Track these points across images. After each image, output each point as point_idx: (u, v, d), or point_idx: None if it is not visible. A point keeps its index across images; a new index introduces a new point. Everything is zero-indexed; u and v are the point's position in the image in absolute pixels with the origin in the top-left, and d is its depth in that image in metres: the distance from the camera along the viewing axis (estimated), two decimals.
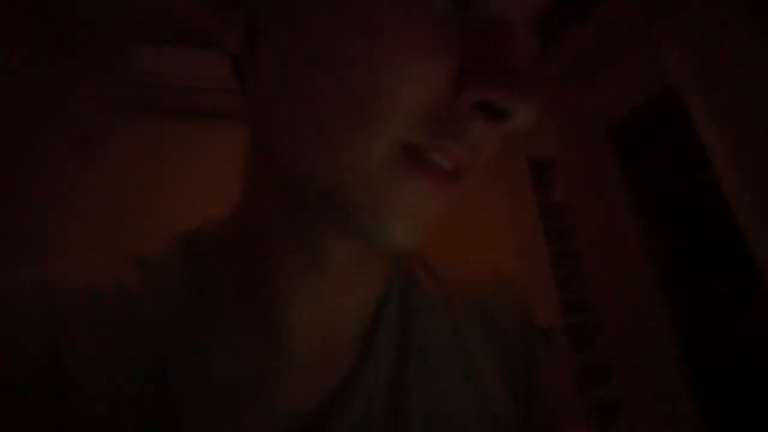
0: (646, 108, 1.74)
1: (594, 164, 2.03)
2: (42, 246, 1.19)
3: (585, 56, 1.91)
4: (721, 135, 1.41)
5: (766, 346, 1.46)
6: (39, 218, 1.26)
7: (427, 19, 0.17)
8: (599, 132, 1.98)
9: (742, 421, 1.59)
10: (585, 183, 2.10)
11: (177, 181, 1.49)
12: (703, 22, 1.45)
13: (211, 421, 0.21)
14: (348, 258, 0.23)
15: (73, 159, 1.37)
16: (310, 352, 0.24)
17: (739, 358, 1.64)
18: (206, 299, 0.23)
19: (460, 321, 0.29)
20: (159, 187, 1.46)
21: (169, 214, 1.40)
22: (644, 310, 1.78)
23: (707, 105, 1.44)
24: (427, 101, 0.17)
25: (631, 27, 1.67)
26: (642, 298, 1.78)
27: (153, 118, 1.54)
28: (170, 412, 0.20)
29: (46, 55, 1.42)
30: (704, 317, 1.72)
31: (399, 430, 0.24)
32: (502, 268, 0.34)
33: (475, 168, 0.19)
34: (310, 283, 0.23)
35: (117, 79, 1.47)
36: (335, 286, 0.24)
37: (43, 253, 1.17)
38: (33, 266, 0.22)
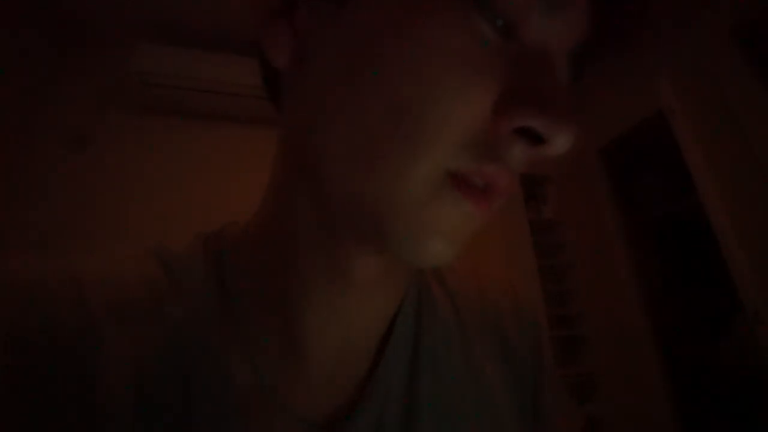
0: (638, 131, 1.80)
1: (585, 183, 2.08)
2: (37, 241, 1.16)
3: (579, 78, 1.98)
4: (704, 160, 1.46)
5: (746, 366, 1.50)
6: (32, 213, 1.24)
7: (476, 44, 0.17)
8: (592, 152, 2.03)
9: None
10: (576, 201, 2.15)
11: (175, 180, 1.48)
12: (691, 50, 1.52)
13: (227, 424, 0.21)
14: (372, 272, 0.23)
15: (68, 156, 1.35)
16: (327, 361, 0.24)
17: (720, 377, 1.68)
18: (228, 304, 0.23)
19: (471, 335, 0.30)
20: (156, 185, 1.45)
21: (168, 212, 1.40)
22: (629, 328, 1.81)
23: (692, 131, 1.50)
24: (471, 126, 0.17)
25: (624, 52, 1.75)
26: (627, 315, 1.82)
27: (150, 116, 1.52)
28: (188, 413, 0.20)
29: (44, 51, 1.40)
30: (688, 337, 1.76)
31: None
32: (516, 283, 0.35)
33: (510, 189, 0.20)
34: (333, 294, 0.23)
35: (114, 77, 1.46)
36: (356, 298, 0.24)
37: (37, 249, 1.14)
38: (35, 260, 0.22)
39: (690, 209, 1.59)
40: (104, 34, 1.48)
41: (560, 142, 0.17)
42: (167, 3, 1.40)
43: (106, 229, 1.29)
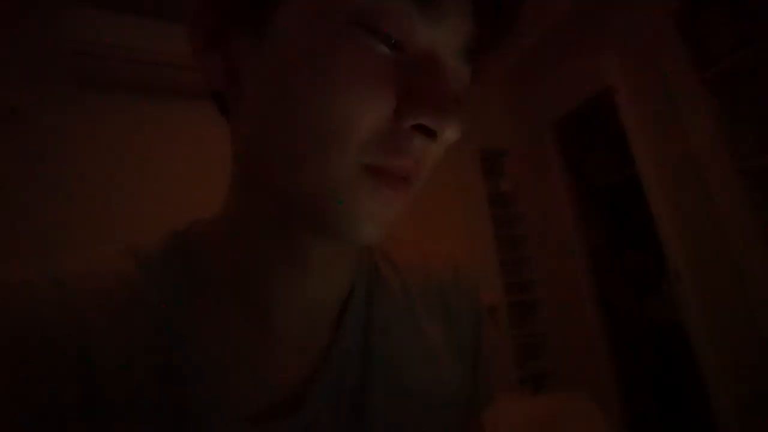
0: (586, 107, 1.91)
1: (540, 157, 2.19)
2: None
3: (534, 59, 2.05)
4: (642, 136, 1.59)
5: (668, 319, 1.69)
6: None
7: (373, 61, 0.21)
8: (546, 128, 2.13)
9: (654, 388, 1.84)
10: (531, 174, 2.26)
11: (114, 156, 1.42)
12: (634, 32, 1.61)
13: (212, 394, 0.24)
14: (324, 254, 0.27)
15: (5, 130, 1.26)
16: (293, 333, 0.28)
17: (647, 330, 1.89)
18: (200, 290, 0.26)
19: (416, 303, 0.34)
20: (95, 162, 1.38)
21: (104, 190, 1.34)
22: (576, 291, 1.97)
23: (633, 108, 1.61)
24: (376, 127, 0.21)
25: (574, 34, 1.84)
26: (575, 279, 1.98)
27: (91, 91, 1.42)
28: (177, 390, 0.23)
29: None
30: (625, 296, 1.95)
31: (366, 394, 0.28)
32: (455, 256, 0.40)
33: (421, 175, 0.24)
34: (293, 275, 0.27)
35: (51, 46, 1.35)
36: (314, 277, 0.27)
37: None
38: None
39: (630, 180, 1.73)
40: None
41: (448, 135, 0.21)
42: None
43: (38, 207, 1.22)
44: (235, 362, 0.25)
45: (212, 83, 0.25)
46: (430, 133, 0.21)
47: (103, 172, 1.38)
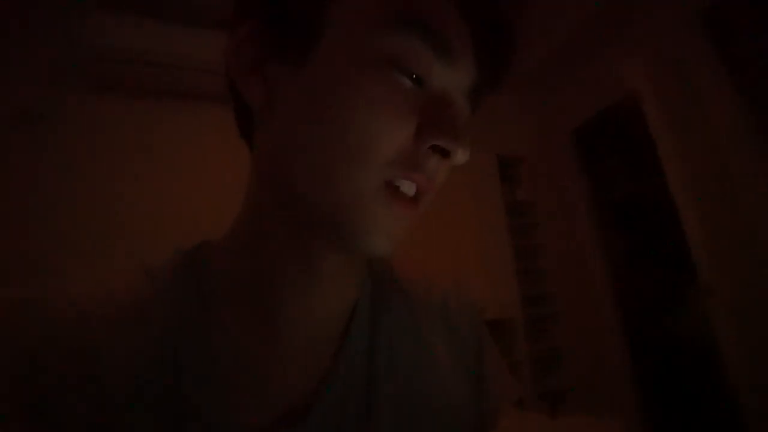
0: (608, 115, 1.85)
1: (558, 165, 2.13)
2: None
3: (553, 65, 2.00)
4: (671, 143, 1.52)
5: (697, 334, 1.60)
6: None
7: (399, 93, 0.25)
8: (564, 135, 2.07)
9: (678, 407, 1.74)
10: (549, 182, 2.20)
11: (132, 159, 1.44)
12: (659, 35, 1.55)
13: (217, 403, 0.25)
14: (335, 266, 0.29)
15: (18, 134, 1.29)
16: (300, 343, 0.29)
17: (676, 349, 1.79)
18: (207, 304, 0.28)
19: (419, 317, 0.35)
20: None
21: (121, 192, 1.36)
22: (596, 304, 1.90)
23: (660, 114, 1.55)
24: (399, 147, 0.25)
25: (595, 40, 1.79)
26: (595, 292, 1.90)
27: (109, 94, 1.46)
28: (182, 400, 0.24)
29: None
30: (649, 310, 1.86)
31: (370, 404, 0.29)
32: (457, 273, 0.41)
33: (431, 191, 0.27)
34: (304, 286, 0.29)
35: (67, 50, 1.37)
36: (323, 288, 0.29)
37: None
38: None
39: (654, 190, 1.66)
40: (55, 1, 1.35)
41: (459, 156, 0.26)
42: None
43: (58, 207, 1.25)
44: (242, 372, 0.27)
45: (249, 101, 0.28)
46: (444, 154, 0.26)
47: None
